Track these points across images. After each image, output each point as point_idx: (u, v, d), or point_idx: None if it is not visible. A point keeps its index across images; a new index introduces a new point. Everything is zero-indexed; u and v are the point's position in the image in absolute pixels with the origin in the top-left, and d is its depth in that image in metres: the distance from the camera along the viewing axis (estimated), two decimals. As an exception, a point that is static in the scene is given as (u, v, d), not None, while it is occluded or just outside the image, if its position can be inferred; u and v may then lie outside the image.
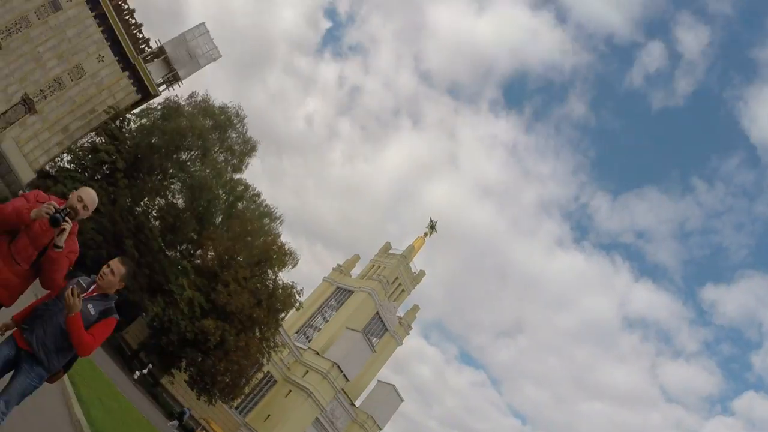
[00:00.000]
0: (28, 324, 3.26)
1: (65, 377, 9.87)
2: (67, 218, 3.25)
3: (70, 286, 3.17)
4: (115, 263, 3.52)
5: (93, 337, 3.27)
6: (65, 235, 3.25)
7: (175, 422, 32.33)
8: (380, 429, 57.05)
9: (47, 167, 35.43)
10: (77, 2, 35.60)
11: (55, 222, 3.18)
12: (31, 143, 33.99)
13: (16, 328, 3.32)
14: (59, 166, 36.39)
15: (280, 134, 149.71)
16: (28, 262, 3.27)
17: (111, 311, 3.44)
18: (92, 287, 3.44)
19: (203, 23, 40.25)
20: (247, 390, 44.29)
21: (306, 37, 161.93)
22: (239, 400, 46.20)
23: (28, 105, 34.77)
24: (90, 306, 3.32)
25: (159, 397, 37.13)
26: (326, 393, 50.89)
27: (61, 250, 3.27)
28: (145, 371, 34.25)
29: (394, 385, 59.38)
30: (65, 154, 35.81)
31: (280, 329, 42.84)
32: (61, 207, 3.29)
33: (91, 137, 36.22)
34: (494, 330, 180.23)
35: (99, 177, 34.02)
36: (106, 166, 34.08)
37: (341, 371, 50.98)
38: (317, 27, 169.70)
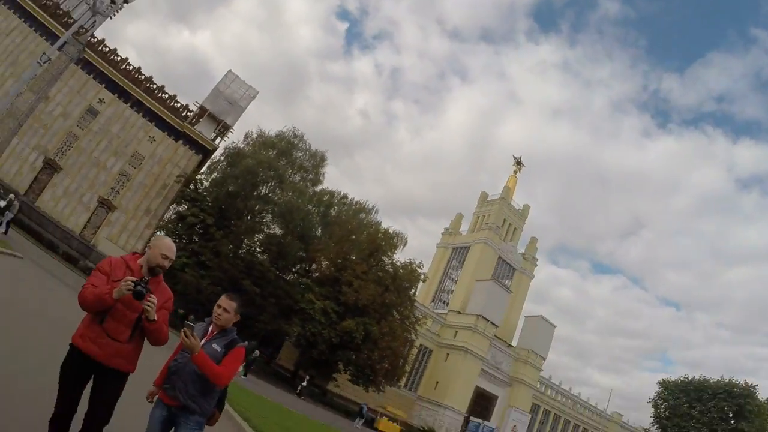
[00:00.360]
0: (168, 382, 3.48)
1: (238, 418, 10.86)
2: (149, 288, 3.18)
3: (182, 331, 3.30)
4: (224, 301, 3.64)
5: (224, 367, 3.44)
6: (154, 308, 3.22)
7: (358, 419, 34.39)
8: (544, 359, 57.09)
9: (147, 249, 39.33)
10: (111, 101, 39.07)
11: (139, 296, 3.12)
12: (123, 235, 38.27)
13: (160, 391, 3.57)
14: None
15: (343, 136, 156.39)
16: (126, 335, 3.28)
17: (235, 342, 3.62)
18: (211, 328, 3.63)
19: (230, 70, 42.28)
20: (407, 368, 46.20)
21: (330, 44, 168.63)
22: (404, 379, 48.43)
23: (106, 205, 39.22)
24: (214, 345, 3.50)
25: (332, 403, 39.80)
26: (481, 344, 51.73)
27: (155, 321, 3.26)
28: (304, 384, 36.69)
29: (541, 316, 59.30)
30: (157, 232, 39.33)
31: (415, 304, 43.92)
32: (140, 278, 3.20)
33: (174, 208, 39.47)
34: (616, 234, 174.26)
35: (196, 238, 37.07)
36: (198, 227, 36.80)
37: (487, 320, 51.65)
38: (336, 31, 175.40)
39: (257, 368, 40.23)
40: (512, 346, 57.53)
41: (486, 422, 51.05)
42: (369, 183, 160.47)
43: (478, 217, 63.75)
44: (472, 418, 51.23)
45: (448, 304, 58.56)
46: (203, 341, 3.47)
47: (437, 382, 51.48)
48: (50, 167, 39.01)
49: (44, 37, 40.36)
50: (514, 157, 66.58)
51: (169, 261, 3.51)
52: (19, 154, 38.68)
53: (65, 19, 40.83)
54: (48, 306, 11.42)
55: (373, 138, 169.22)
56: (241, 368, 25.12)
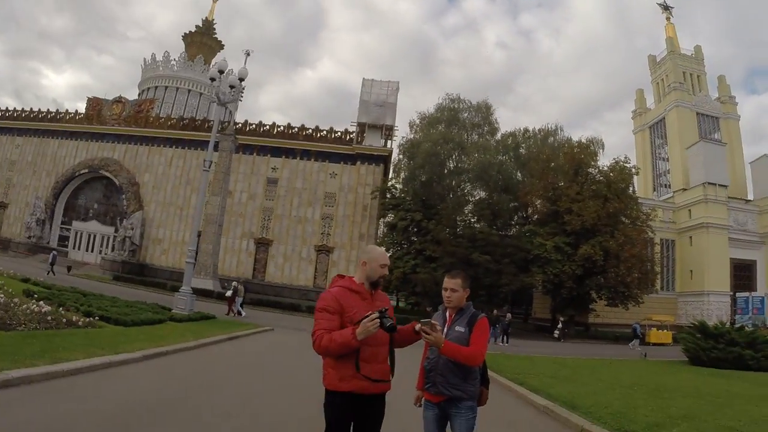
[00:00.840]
0: (428, 381, 3.38)
1: (513, 384, 10.63)
2: (390, 315, 2.93)
3: (420, 331, 3.11)
4: (448, 282, 3.42)
5: (474, 346, 3.25)
6: (435, 336, 3.08)
7: (635, 341, 32.64)
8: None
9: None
10: (282, 164, 42.77)
11: (392, 330, 2.90)
12: (351, 268, 40.95)
13: (424, 392, 3.44)
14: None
15: (496, 76, 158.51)
16: (387, 369, 3.07)
17: (475, 316, 3.38)
18: (448, 312, 3.48)
19: (364, 78, 44.00)
20: (657, 269, 43.18)
21: (431, 2, 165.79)
22: (659, 282, 45.24)
23: (324, 251, 42.43)
24: (457, 327, 3.34)
25: (597, 335, 38.74)
26: (719, 212, 47.05)
27: (443, 345, 3.11)
28: (559, 326, 35.81)
29: (765, 155, 51.95)
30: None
31: (639, 201, 41.07)
32: (382, 308, 2.92)
33: (383, 221, 41.26)
34: None
35: (414, 238, 38.31)
36: (410, 227, 37.97)
37: (714, 185, 46.93)
38: None
39: (516, 330, 40.41)
40: (750, 200, 51.38)
41: (753, 293, 46.19)
42: (542, 106, 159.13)
43: (657, 83, 58.25)
44: (737, 294, 46.46)
45: (670, 186, 54.24)
46: (445, 329, 3.35)
47: (691, 271, 47.53)
48: (262, 244, 43.30)
49: (202, 149, 45.23)
50: (659, 4, 60.10)
51: (388, 268, 3.21)
52: (233, 248, 43.47)
53: (207, 125, 45.42)
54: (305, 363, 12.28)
55: (522, 62, 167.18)
56: (499, 339, 25.18)
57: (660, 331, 37.83)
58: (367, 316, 2.83)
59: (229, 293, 23.85)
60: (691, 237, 47.36)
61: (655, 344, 34.89)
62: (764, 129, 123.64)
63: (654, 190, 56.67)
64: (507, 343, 25.39)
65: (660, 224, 46.45)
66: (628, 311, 39.68)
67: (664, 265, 47.40)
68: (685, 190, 49.04)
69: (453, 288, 3.38)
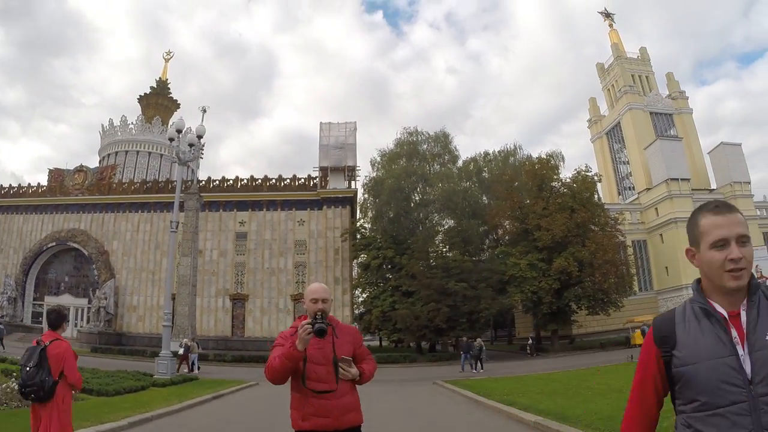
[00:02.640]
0: None
1: (503, 407, 10.67)
2: (327, 321, 2.93)
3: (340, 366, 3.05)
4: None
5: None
6: (350, 372, 3.02)
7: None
8: (748, 183, 51.49)
9: (356, 311, 41.55)
10: (249, 217, 42.48)
11: (321, 332, 2.83)
12: (338, 310, 40.45)
13: None
14: (364, 300, 41.95)
15: (450, 102, 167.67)
16: (334, 383, 2.98)
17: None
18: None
19: (321, 122, 44.28)
20: (633, 271, 43.72)
21: (380, 38, 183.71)
22: (636, 284, 45.77)
23: (299, 300, 41.97)
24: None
25: (583, 345, 38.92)
26: (684, 206, 47.76)
27: (362, 376, 3.11)
28: (529, 342, 36.50)
29: (721, 142, 53.47)
30: (354, 292, 41.00)
31: (605, 207, 41.82)
32: (317, 314, 2.95)
33: (356, 263, 41.12)
34: (739, 10, 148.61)
35: (389, 276, 38.22)
36: (384, 265, 37.97)
37: (676, 180, 47.90)
38: (375, 24, 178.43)
39: (500, 352, 40.36)
40: (713, 189, 52.48)
41: None
42: (499, 127, 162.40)
43: (608, 89, 59.96)
44: (715, 282, 47.22)
45: (634, 188, 55.23)
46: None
47: (667, 268, 48.06)
48: (238, 300, 42.74)
49: (168, 211, 44.78)
50: (600, 13, 62.62)
51: (323, 301, 3.01)
52: (208, 307, 42.85)
53: (171, 186, 45.07)
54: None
55: (475, 86, 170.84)
56: (471, 365, 24.83)
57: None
58: (302, 324, 2.86)
59: (181, 351, 23.68)
60: (661, 234, 48.02)
61: (640, 345, 35.09)
62: (718, 117, 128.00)
63: (619, 194, 57.68)
64: (481, 369, 24.57)
65: (629, 227, 47.18)
66: (610, 317, 40.03)
67: (639, 266, 47.93)
68: (649, 189, 49.93)
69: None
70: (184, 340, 24.45)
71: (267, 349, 21.28)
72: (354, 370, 3.02)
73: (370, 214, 40.40)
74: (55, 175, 51.97)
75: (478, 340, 27.40)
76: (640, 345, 20.73)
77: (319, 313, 2.92)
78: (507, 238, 40.50)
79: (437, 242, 40.05)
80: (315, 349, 2.94)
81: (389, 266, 37.87)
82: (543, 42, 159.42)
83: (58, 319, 4.92)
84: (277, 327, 40.72)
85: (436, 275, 35.14)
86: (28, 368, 4.53)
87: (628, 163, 56.88)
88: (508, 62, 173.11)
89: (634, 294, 45.06)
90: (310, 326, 2.81)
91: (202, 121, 22.20)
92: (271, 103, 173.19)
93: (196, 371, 22.89)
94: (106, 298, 44.57)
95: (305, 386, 2.91)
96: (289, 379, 2.99)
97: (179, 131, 20.94)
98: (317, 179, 42.28)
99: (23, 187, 52.61)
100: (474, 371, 24.18)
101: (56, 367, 4.58)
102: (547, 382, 15.48)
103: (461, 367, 25.34)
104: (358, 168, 42.31)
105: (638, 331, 38.22)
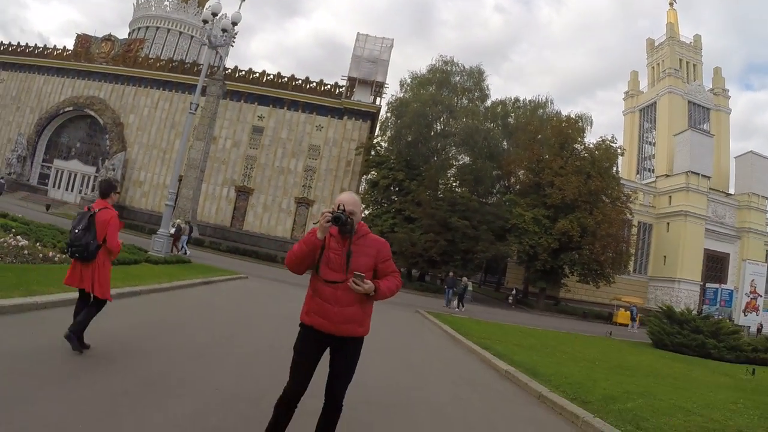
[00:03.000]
0: None
1: (479, 350, 10.70)
2: (349, 217, 2.94)
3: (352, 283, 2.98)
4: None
5: None
6: (365, 286, 2.93)
7: (633, 323, 32.96)
8: (767, 198, 50.83)
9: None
10: (269, 113, 42.21)
11: (338, 220, 2.89)
12: None
13: None
14: (364, 217, 42.20)
15: (492, 41, 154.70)
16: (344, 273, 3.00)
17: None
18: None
19: (358, 33, 44.03)
20: (632, 250, 43.78)
21: None
22: (632, 264, 45.95)
23: (304, 203, 42.37)
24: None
25: (566, 309, 39.45)
26: (698, 202, 47.62)
27: (377, 292, 3.01)
28: (512, 293, 36.91)
29: (751, 151, 52.66)
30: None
31: (621, 182, 41.46)
32: (340, 205, 2.98)
33: (365, 179, 41.17)
34: None
35: (395, 198, 38.33)
36: (392, 186, 37.97)
37: (697, 174, 47.31)
38: None
39: (486, 297, 41.03)
40: (730, 194, 52.02)
41: (723, 285, 47.05)
42: (535, 77, 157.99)
43: (652, 67, 58.45)
44: (707, 284, 47.35)
45: (653, 171, 54.71)
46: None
47: (665, 257, 48.36)
48: (243, 193, 43.04)
49: (189, 93, 44.36)
50: None
51: (352, 213, 2.99)
52: (213, 194, 43.18)
53: (196, 69, 44.50)
54: (281, 305, 12.89)
55: (520, 29, 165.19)
56: (453, 302, 24.80)
57: (627, 312, 38.66)
58: (324, 212, 2.95)
59: (172, 231, 23.64)
60: (668, 223, 48.00)
61: (621, 324, 35.51)
62: (754, 125, 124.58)
63: (637, 173, 57.20)
64: (461, 308, 24.38)
65: (639, 207, 47.01)
66: (599, 289, 40.46)
67: (639, 248, 48.10)
68: (668, 176, 49.56)
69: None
70: (177, 221, 24.59)
71: (262, 245, 22.05)
72: (367, 285, 2.93)
73: (389, 134, 39.98)
74: (82, 40, 51.28)
75: (465, 278, 27.39)
76: (621, 324, 21.28)
77: (341, 206, 2.95)
78: (518, 187, 40.28)
79: (449, 176, 39.79)
80: (333, 251, 3.01)
81: (397, 188, 37.88)
82: (598, 3, 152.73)
83: (108, 188, 5.27)
84: (276, 226, 41.22)
85: (440, 207, 35.19)
86: (76, 230, 4.93)
87: (654, 144, 56.17)
88: (558, 14, 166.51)
89: (627, 273, 45.39)
90: (329, 213, 2.90)
91: (240, 8, 21.44)
92: (312, 3, 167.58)
93: (183, 254, 22.99)
94: (114, 169, 44.92)
95: (318, 273, 3.01)
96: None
97: (215, 14, 20.22)
98: (343, 88, 41.73)
99: (48, 49, 52.10)
100: (456, 309, 24.07)
101: (101, 233, 4.99)
102: (526, 336, 15.61)
103: (446, 302, 25.44)
104: (386, 85, 41.72)
105: (622, 309, 38.95)
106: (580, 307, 40.92)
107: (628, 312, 38.24)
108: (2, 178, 39.94)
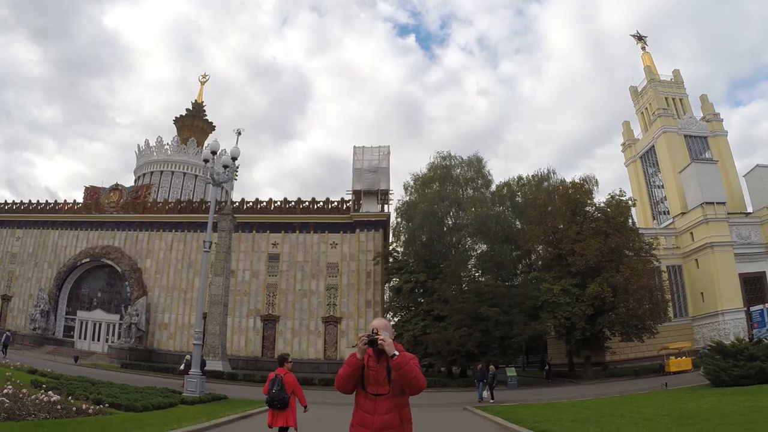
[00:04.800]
0: None
1: None
2: (379, 335, 3.50)
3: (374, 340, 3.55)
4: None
5: None
6: (387, 342, 3.46)
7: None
8: (792, 208, 50.27)
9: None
10: (282, 239, 43.05)
11: (372, 342, 3.47)
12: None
13: None
14: (394, 324, 41.83)
15: (483, 125, 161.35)
16: (386, 388, 3.54)
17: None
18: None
19: (354, 146, 44.85)
20: (668, 296, 42.82)
21: (412, 62, 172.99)
22: (671, 309, 44.79)
23: (331, 322, 42.35)
24: None
25: (615, 372, 38.23)
26: (720, 230, 46.97)
27: (397, 355, 3.45)
28: (546, 367, 36.75)
29: (756, 165, 52.39)
30: (386, 315, 40.89)
31: (640, 232, 41.12)
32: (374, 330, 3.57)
33: (388, 287, 41.19)
34: None
35: (421, 300, 38.18)
36: (416, 289, 38.02)
37: (711, 203, 47.04)
38: (408, 48, 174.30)
39: (532, 378, 39.77)
40: (749, 213, 51.43)
41: (767, 305, 45.63)
42: (533, 150, 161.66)
43: (642, 113, 59.45)
44: (751, 308, 45.89)
45: (669, 213, 54.42)
46: None
47: (702, 294, 47.01)
48: (269, 321, 43.05)
49: (201, 231, 45.28)
50: (633, 36, 62.43)
51: (382, 332, 3.59)
52: (239, 327, 43.22)
53: (204, 206, 45.90)
54: (324, 425, 12.77)
55: (507, 108, 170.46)
56: (485, 393, 23.80)
57: (678, 359, 37.09)
58: (361, 336, 3.58)
59: (182, 367, 23.65)
60: (696, 259, 47.10)
61: (675, 372, 34.20)
62: (754, 138, 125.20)
63: (654, 219, 56.77)
64: (492, 399, 23.10)
65: (664, 252, 46.37)
66: (644, 343, 39.15)
67: (674, 291, 46.90)
68: (684, 213, 49.18)
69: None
70: (186, 356, 24.60)
71: (296, 370, 21.41)
72: (388, 340, 3.48)
73: (402, 238, 40.50)
74: (91, 192, 53.42)
75: (491, 367, 26.46)
76: (674, 372, 20.57)
77: (375, 330, 3.53)
78: (540, 263, 40.10)
79: (470, 267, 39.77)
80: (372, 370, 3.59)
81: (421, 290, 37.81)
82: (576, 65, 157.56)
83: (282, 360, 8.05)
84: (308, 348, 40.86)
85: (468, 300, 34.90)
86: (273, 390, 7.57)
87: (662, 187, 56.09)
88: (541, 84, 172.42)
89: (669, 320, 44.05)
90: (366, 337, 3.51)
91: (237, 143, 22.47)
92: (305, 125, 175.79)
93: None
94: (137, 315, 45.31)
95: (364, 388, 3.58)
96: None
97: (214, 153, 21.10)
98: (350, 202, 42.87)
99: (59, 204, 54.26)
100: (491, 400, 22.93)
101: (289, 389, 7.63)
102: (580, 409, 15.29)
103: (479, 397, 24.06)
104: (391, 191, 42.96)
105: (673, 358, 37.55)
106: (629, 367, 39.38)
107: (681, 358, 36.89)
108: (9, 331, 40.25)
